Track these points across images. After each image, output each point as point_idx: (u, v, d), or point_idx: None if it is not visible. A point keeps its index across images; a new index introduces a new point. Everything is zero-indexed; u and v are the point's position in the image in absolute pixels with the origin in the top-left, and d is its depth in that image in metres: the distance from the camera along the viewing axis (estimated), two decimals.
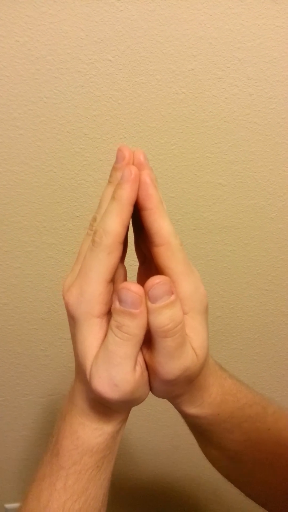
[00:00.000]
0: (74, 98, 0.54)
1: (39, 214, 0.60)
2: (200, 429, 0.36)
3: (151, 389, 0.30)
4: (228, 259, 0.68)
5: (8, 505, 0.87)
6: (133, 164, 0.29)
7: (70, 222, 0.62)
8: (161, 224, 0.28)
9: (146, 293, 0.26)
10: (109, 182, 0.30)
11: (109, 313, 0.28)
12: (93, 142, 0.57)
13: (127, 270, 0.31)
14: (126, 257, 0.31)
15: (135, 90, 0.55)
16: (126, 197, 0.27)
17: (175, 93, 0.55)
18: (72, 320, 0.29)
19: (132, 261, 0.33)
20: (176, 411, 0.35)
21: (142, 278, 0.28)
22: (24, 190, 0.58)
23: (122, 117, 0.56)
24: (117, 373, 0.26)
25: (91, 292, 0.27)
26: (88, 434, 0.30)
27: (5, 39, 0.50)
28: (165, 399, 0.33)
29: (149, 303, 0.26)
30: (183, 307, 0.28)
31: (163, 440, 0.84)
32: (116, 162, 0.29)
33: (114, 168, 0.30)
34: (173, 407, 0.34)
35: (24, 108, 0.54)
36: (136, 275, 0.34)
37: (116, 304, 0.26)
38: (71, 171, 0.58)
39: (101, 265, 0.27)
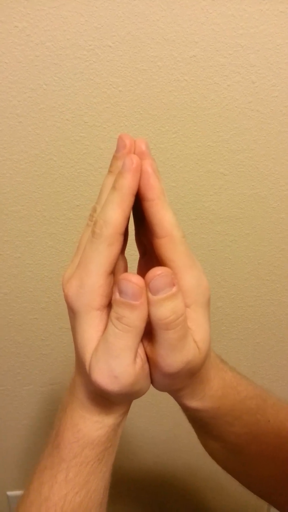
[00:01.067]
0: (74, 85, 0.53)
1: (39, 203, 0.60)
2: (201, 422, 0.36)
3: (152, 382, 0.30)
4: (229, 249, 0.68)
5: (10, 493, 0.88)
6: (134, 153, 0.28)
7: (70, 211, 0.61)
8: (163, 216, 0.27)
9: (147, 284, 0.26)
10: (110, 171, 0.29)
11: (109, 306, 0.28)
12: (93, 130, 0.56)
13: (127, 262, 0.31)
14: (126, 249, 0.31)
15: (135, 77, 0.54)
16: (127, 187, 0.26)
17: (177, 80, 0.54)
18: (72, 312, 0.29)
19: (133, 252, 0.33)
20: (176, 402, 0.35)
21: (143, 271, 0.28)
22: (23, 179, 0.58)
23: (122, 105, 0.55)
24: (117, 365, 0.26)
25: (91, 284, 0.27)
26: (89, 426, 0.30)
27: (4, 25, 0.49)
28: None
29: (150, 295, 0.26)
30: (185, 300, 0.28)
31: (164, 429, 0.85)
32: (117, 150, 0.29)
33: (114, 157, 0.29)
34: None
35: (24, 95, 0.53)
36: (137, 267, 0.34)
37: (116, 295, 0.26)
38: (71, 160, 0.57)
39: (101, 256, 0.27)
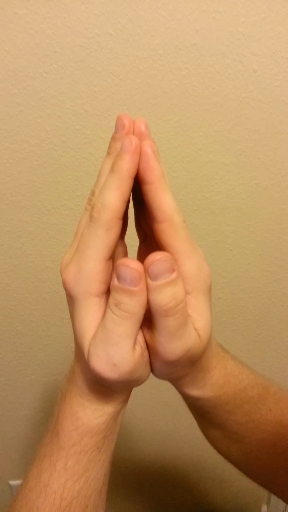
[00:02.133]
0: (75, 73, 0.53)
1: (40, 193, 0.60)
2: (202, 411, 0.36)
3: (152, 370, 0.30)
4: (230, 240, 0.68)
5: (13, 482, 0.89)
6: (133, 134, 0.27)
7: (71, 201, 0.61)
8: (163, 199, 0.27)
9: (146, 270, 0.25)
10: (108, 153, 0.28)
11: (108, 292, 0.27)
12: (94, 119, 0.56)
13: (127, 249, 0.31)
14: (126, 236, 0.30)
15: (136, 65, 0.53)
16: (125, 169, 0.25)
17: (178, 68, 0.54)
18: (70, 299, 0.28)
19: (133, 241, 0.33)
20: (176, 390, 0.34)
21: (143, 257, 0.27)
22: (24, 168, 0.58)
23: (123, 93, 0.55)
24: (116, 352, 0.26)
25: (89, 270, 0.26)
26: (88, 414, 0.30)
27: (3, 11, 0.49)
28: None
29: (149, 281, 0.25)
30: (186, 287, 0.27)
31: (164, 419, 0.85)
32: (115, 131, 0.28)
33: (113, 138, 0.28)
34: (174, 387, 0.34)
35: (24, 84, 0.53)
36: (136, 254, 0.33)
37: (115, 281, 0.25)
38: (71, 149, 0.57)
39: (99, 242, 0.26)
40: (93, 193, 0.28)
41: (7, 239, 0.63)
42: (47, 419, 0.81)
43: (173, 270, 0.25)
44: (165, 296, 0.25)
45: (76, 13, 0.50)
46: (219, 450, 0.40)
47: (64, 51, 0.52)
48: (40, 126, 0.55)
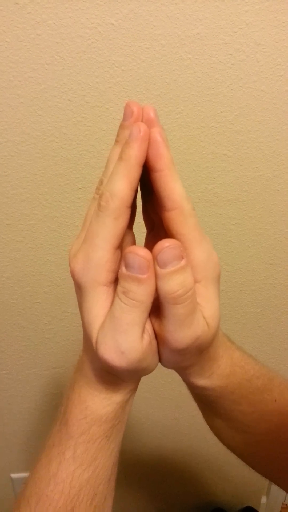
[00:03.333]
0: (76, 64, 0.52)
1: (41, 186, 0.59)
2: (207, 401, 0.36)
3: (160, 359, 0.29)
4: (232, 233, 0.68)
5: (14, 475, 0.89)
6: (142, 121, 0.27)
7: (72, 194, 0.61)
8: (173, 187, 0.26)
9: (155, 257, 0.25)
10: (116, 141, 0.28)
11: (116, 281, 0.27)
12: (95, 111, 0.55)
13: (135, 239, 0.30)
14: (134, 227, 0.30)
15: (138, 55, 0.53)
16: (134, 156, 0.25)
17: (180, 58, 0.53)
18: (79, 288, 0.28)
19: (140, 231, 0.33)
20: (178, 383, 0.34)
21: (150, 247, 0.26)
22: (25, 161, 0.57)
23: (125, 84, 0.54)
24: (124, 340, 0.25)
25: (97, 259, 0.26)
26: (97, 403, 0.29)
27: (4, 2, 0.48)
28: (170, 371, 0.32)
29: (157, 268, 0.25)
30: (195, 275, 0.27)
31: (165, 412, 0.85)
32: (124, 119, 0.27)
33: (121, 126, 0.28)
34: (176, 380, 0.34)
35: (25, 75, 0.52)
36: (143, 243, 0.33)
37: (123, 269, 0.25)
38: (73, 141, 0.57)
39: (107, 230, 0.26)
40: (101, 182, 0.28)
41: (8, 232, 0.62)
42: (48, 412, 0.82)
43: (182, 258, 0.25)
44: (174, 284, 0.25)
45: (78, 3, 0.49)
46: (223, 441, 0.40)
47: (65, 42, 0.51)
48: (41, 118, 0.55)
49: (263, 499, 1.05)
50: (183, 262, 0.25)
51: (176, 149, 0.59)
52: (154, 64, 0.53)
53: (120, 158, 0.26)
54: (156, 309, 0.27)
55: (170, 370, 0.32)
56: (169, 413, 0.85)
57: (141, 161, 0.26)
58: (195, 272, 0.27)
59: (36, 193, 0.60)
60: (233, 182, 0.63)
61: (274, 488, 1.03)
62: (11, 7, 0.49)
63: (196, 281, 0.27)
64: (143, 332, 0.27)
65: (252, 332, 0.79)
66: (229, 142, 0.59)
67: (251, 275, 0.73)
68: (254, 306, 0.76)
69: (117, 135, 0.28)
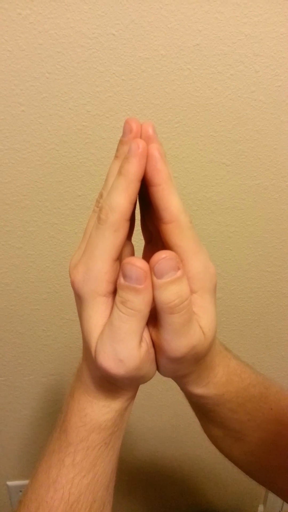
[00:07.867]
0: (77, 73, 0.53)
1: (41, 193, 0.60)
2: (204, 409, 0.36)
3: (158, 368, 0.30)
4: (230, 240, 0.68)
5: (10, 483, 0.89)
6: (141, 137, 0.27)
7: (72, 201, 0.61)
8: (170, 201, 0.27)
9: (152, 268, 0.26)
10: (116, 156, 0.29)
11: (115, 292, 0.28)
12: (96, 119, 0.56)
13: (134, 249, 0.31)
14: (134, 234, 0.31)
15: (139, 65, 0.53)
16: (133, 172, 0.26)
17: (180, 69, 0.54)
18: (78, 298, 0.28)
19: (138, 242, 0.33)
20: (175, 391, 0.35)
21: (148, 258, 0.27)
22: (25, 168, 0.58)
23: (125, 94, 0.55)
24: (122, 348, 0.26)
25: (97, 271, 0.27)
26: (96, 411, 0.30)
27: (7, 12, 0.49)
28: (167, 379, 0.33)
29: (154, 279, 0.26)
30: (192, 286, 0.28)
31: (163, 419, 0.85)
32: (123, 135, 0.28)
33: (121, 142, 0.29)
34: (173, 387, 0.34)
35: (26, 84, 0.53)
36: (142, 254, 0.33)
37: (121, 280, 0.26)
38: (73, 149, 0.57)
39: (107, 243, 0.26)
40: (101, 196, 0.29)
41: (8, 238, 0.63)
42: (46, 419, 0.82)
43: (178, 269, 0.26)
44: (170, 294, 0.26)
45: (79, 14, 0.50)
46: (220, 449, 0.40)
47: (66, 52, 0.52)
48: (42, 126, 0.55)
49: (260, 508, 1.05)
50: (179, 273, 0.26)
51: (175, 157, 0.60)
52: (154, 74, 0.54)
53: (119, 173, 0.27)
54: (154, 318, 0.28)
55: (167, 378, 0.32)
56: (166, 420, 0.85)
57: (139, 176, 0.26)
58: (192, 283, 0.28)
59: (36, 200, 0.60)
60: (231, 190, 0.63)
61: (271, 496, 1.03)
62: (13, 17, 0.49)
63: (192, 292, 0.28)
64: (141, 340, 0.27)
65: (249, 340, 0.79)
66: (228, 151, 0.60)
67: (249, 283, 0.73)
68: (251, 314, 0.76)
69: (117, 151, 0.29)
